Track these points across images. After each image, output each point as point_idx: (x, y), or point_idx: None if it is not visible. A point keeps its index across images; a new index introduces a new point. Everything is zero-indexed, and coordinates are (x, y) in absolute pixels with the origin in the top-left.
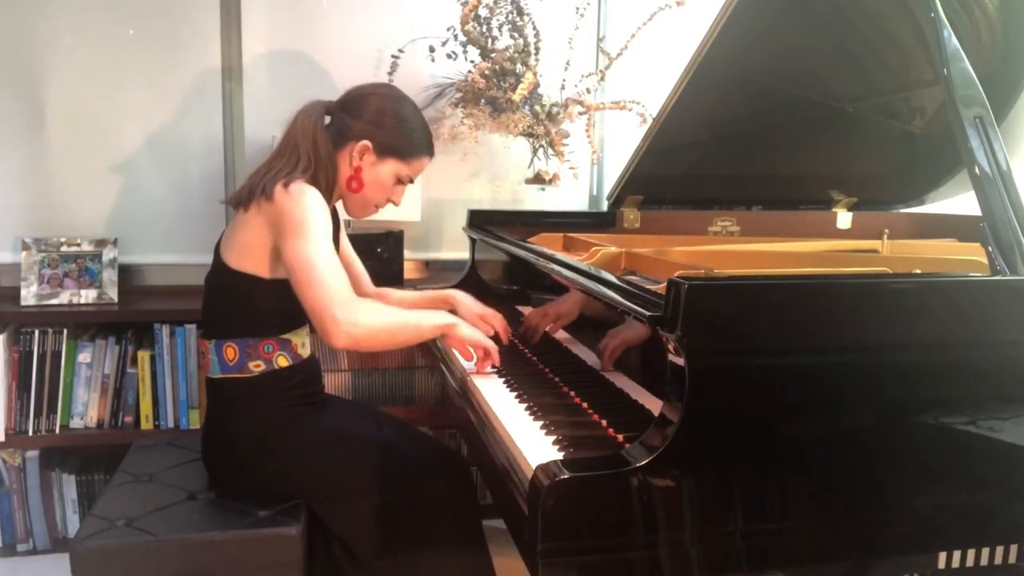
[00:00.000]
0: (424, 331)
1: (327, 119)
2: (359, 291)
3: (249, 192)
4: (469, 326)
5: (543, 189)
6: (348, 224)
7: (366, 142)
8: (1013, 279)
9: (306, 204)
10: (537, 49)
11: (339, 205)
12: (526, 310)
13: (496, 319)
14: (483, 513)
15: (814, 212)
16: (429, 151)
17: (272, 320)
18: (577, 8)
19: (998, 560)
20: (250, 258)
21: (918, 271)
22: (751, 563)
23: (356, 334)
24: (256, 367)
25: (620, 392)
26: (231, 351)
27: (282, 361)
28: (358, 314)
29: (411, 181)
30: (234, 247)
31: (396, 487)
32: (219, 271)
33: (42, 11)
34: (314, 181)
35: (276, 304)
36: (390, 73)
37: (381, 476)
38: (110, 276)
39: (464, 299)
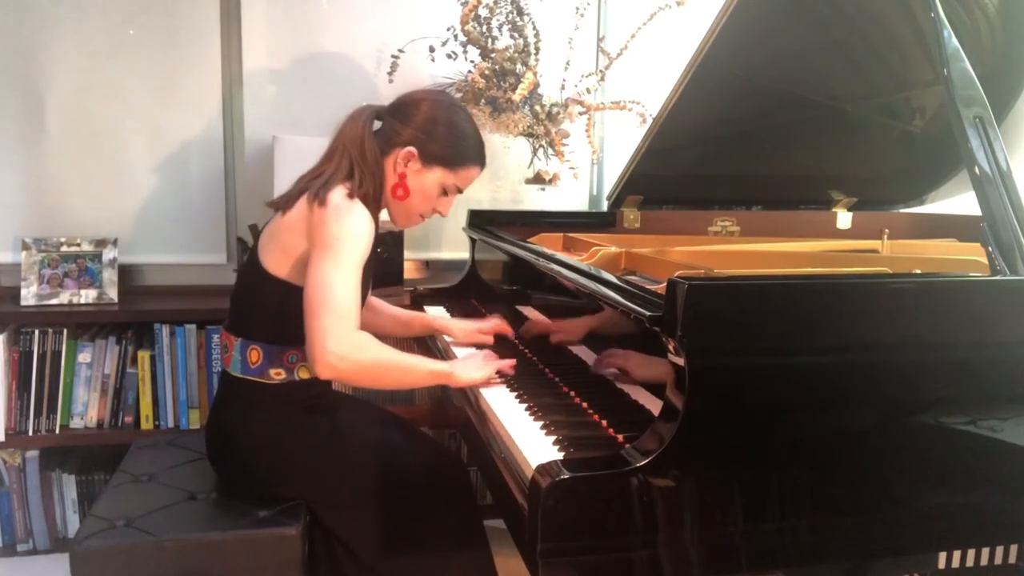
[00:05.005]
0: (418, 376)
1: (377, 124)
2: None
3: (295, 196)
4: (467, 369)
5: (543, 189)
6: None
7: (411, 149)
8: (1013, 279)
9: (347, 223)
10: (537, 49)
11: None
12: (526, 310)
13: (492, 326)
14: (483, 513)
15: (814, 212)
16: (479, 161)
17: (300, 329)
18: (577, 8)
19: (998, 560)
20: (288, 264)
21: (918, 271)
22: (751, 563)
23: (342, 368)
24: (277, 375)
25: (620, 392)
26: (255, 354)
27: (303, 373)
28: (350, 350)
29: (459, 191)
30: (274, 251)
31: (396, 488)
32: (254, 271)
33: (42, 11)
34: (360, 187)
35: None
36: (390, 73)
37: (382, 477)
38: (110, 276)
39: (454, 325)
